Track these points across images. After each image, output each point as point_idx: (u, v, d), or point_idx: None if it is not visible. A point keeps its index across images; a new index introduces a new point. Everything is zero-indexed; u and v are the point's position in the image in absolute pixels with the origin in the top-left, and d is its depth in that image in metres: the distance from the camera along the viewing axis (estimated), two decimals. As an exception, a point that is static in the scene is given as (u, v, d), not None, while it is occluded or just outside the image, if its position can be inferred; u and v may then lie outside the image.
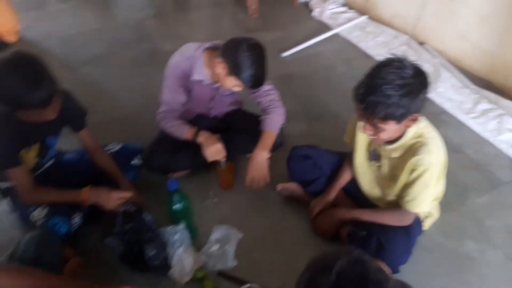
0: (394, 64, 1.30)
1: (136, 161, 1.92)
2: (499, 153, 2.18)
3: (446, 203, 1.74)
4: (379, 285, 0.86)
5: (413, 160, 1.42)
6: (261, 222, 1.85)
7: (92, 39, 3.33)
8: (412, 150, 1.43)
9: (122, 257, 1.60)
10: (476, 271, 1.64)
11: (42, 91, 1.40)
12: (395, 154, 1.49)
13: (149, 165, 1.95)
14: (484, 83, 2.66)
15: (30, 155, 1.64)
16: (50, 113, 1.51)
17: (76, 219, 1.64)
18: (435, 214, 1.71)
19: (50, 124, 1.59)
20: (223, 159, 1.86)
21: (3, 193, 1.74)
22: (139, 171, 1.94)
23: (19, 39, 3.29)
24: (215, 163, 1.89)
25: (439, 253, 1.70)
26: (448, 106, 2.48)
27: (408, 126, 1.39)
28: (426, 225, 1.69)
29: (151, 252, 1.55)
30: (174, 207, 1.60)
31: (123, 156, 1.90)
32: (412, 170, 1.44)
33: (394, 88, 1.27)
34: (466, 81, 2.64)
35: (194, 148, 1.87)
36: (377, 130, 1.37)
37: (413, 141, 1.44)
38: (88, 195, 1.60)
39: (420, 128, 1.43)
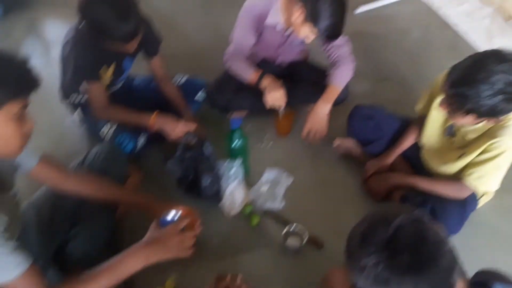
0: (506, 63, 1.20)
1: (199, 96, 1.98)
2: None
3: (506, 185, 1.68)
4: (437, 246, 0.86)
5: (492, 141, 1.37)
6: (312, 172, 1.88)
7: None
8: (492, 132, 1.39)
9: (179, 181, 1.70)
10: None
11: (129, 26, 1.47)
12: (472, 135, 1.45)
13: (212, 101, 2.00)
14: None
15: (107, 74, 1.73)
16: (131, 47, 1.57)
17: (141, 140, 1.75)
18: (491, 192, 1.67)
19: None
20: (282, 107, 1.87)
21: (75, 105, 1.87)
22: (202, 105, 2.01)
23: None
24: (274, 109, 1.91)
25: (489, 232, 1.67)
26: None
27: (486, 123, 1.35)
28: (481, 202, 1.65)
29: (206, 181, 1.64)
30: (233, 144, 1.65)
31: (187, 89, 1.97)
32: (486, 150, 1.40)
33: (493, 90, 1.20)
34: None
35: (255, 91, 1.89)
36: (452, 114, 1.33)
37: (494, 123, 1.38)
38: (155, 121, 1.69)
39: None
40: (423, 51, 2.54)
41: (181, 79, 1.99)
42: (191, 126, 1.71)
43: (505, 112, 1.27)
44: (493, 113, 1.26)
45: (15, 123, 0.96)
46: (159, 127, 1.69)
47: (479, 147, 1.42)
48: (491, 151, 1.38)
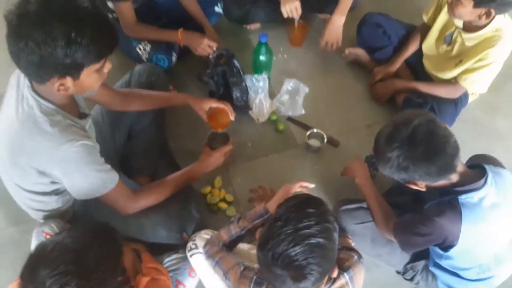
0: None
1: (218, 8, 2.08)
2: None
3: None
4: (445, 139, 1.16)
5: (485, 51, 1.60)
6: (325, 80, 2.10)
7: None
8: (488, 42, 1.60)
9: (211, 94, 1.91)
10: (501, 143, 1.94)
11: None
12: (470, 43, 1.66)
13: (229, 13, 2.11)
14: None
15: (132, -9, 1.80)
16: None
17: (173, 58, 1.90)
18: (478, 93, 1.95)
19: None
20: (297, 17, 2.00)
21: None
22: (220, 18, 2.12)
23: None
24: (290, 20, 2.03)
25: (473, 125, 1.99)
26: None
27: (480, 17, 1.53)
28: (469, 100, 1.94)
29: (237, 94, 1.85)
30: (261, 57, 1.83)
31: (205, 2, 2.05)
32: (482, 58, 1.62)
33: None
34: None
35: (271, 2, 2.00)
36: (456, 0, 1.51)
37: (491, 34, 1.59)
38: (181, 36, 1.84)
39: (501, 24, 1.58)
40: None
41: (199, -8, 2.06)
42: (215, 43, 1.86)
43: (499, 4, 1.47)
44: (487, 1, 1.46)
45: (97, 74, 1.09)
46: (186, 43, 1.85)
47: (476, 54, 1.64)
48: (486, 59, 1.62)
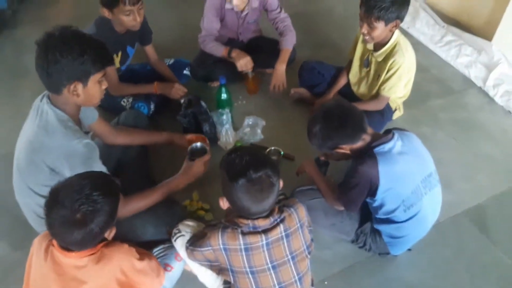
0: None
1: (186, 71, 2.60)
2: (456, 72, 2.90)
3: (411, 104, 2.47)
4: (351, 109, 1.58)
5: (391, 60, 2.10)
6: (278, 115, 2.56)
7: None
8: (392, 53, 2.12)
9: (185, 131, 2.31)
10: (428, 144, 2.33)
11: None
12: (380, 58, 2.17)
13: (195, 74, 2.63)
14: (453, 21, 3.30)
15: (116, 61, 2.30)
16: (138, 16, 2.08)
17: (152, 105, 2.34)
18: (402, 110, 2.43)
19: (131, 36, 2.24)
20: (251, 69, 2.52)
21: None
22: (189, 79, 2.63)
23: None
24: (244, 73, 2.56)
25: (403, 134, 2.42)
26: (422, 38, 3.14)
27: (392, 31, 2.05)
28: (395, 116, 2.41)
29: (206, 128, 2.26)
30: (222, 95, 2.30)
31: (176, 68, 2.58)
32: (389, 68, 2.12)
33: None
34: (438, 19, 3.28)
35: (228, 63, 2.54)
36: (370, 29, 2.01)
37: (392, 47, 2.12)
38: (157, 87, 2.31)
39: (398, 38, 2.11)
40: (346, 20, 3.31)
41: (170, 61, 2.59)
42: (184, 88, 2.34)
43: (401, 15, 1.96)
44: (395, 15, 1.93)
45: (99, 84, 1.52)
46: (161, 91, 2.32)
47: (385, 67, 2.13)
48: (393, 68, 2.12)
